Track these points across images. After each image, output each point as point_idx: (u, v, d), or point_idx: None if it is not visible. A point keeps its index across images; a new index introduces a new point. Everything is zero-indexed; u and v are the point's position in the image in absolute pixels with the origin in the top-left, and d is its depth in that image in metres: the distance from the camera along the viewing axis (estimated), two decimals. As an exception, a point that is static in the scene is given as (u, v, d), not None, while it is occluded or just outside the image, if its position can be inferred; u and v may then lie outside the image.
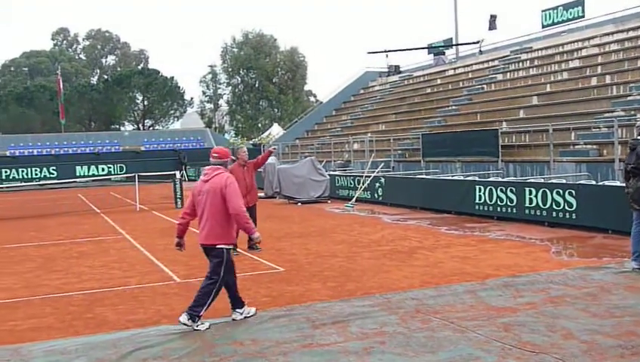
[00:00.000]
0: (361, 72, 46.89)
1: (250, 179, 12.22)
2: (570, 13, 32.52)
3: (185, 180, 32.92)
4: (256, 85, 69.68)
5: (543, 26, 34.22)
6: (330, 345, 5.97)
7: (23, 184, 37.91)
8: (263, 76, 68.54)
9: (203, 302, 6.78)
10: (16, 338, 6.82)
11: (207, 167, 7.18)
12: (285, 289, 8.70)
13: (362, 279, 9.20)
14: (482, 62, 35.99)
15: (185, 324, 6.63)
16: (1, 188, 35.85)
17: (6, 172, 40.93)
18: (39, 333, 7.03)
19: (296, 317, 7.01)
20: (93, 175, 41.49)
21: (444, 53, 42.52)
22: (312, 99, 77.38)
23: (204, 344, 6.16)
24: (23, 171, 41.30)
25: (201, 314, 6.74)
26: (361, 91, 45.94)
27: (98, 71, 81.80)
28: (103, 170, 42.74)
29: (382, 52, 44.97)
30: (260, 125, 68.75)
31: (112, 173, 41.78)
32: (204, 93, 73.23)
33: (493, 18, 40.14)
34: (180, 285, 9.33)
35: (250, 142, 52.23)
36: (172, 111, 70.83)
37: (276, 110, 70.98)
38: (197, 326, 6.66)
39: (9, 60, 77.37)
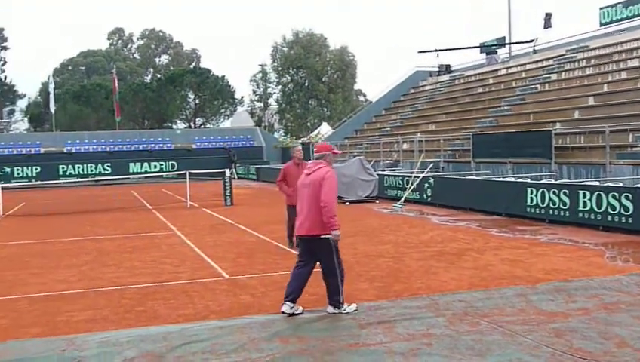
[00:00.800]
0: (411, 71, 46.58)
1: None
2: (630, 11, 31.60)
3: (234, 178, 33.29)
4: (306, 84, 69.91)
5: (601, 24, 33.37)
6: (376, 345, 5.97)
7: (79, 180, 38.97)
8: (312, 75, 68.73)
9: (338, 291, 7.21)
10: (72, 329, 7.03)
11: (310, 162, 7.53)
12: (332, 288, 8.72)
13: (410, 280, 9.16)
14: (536, 62, 35.31)
15: (332, 313, 7.13)
16: (59, 183, 36.91)
17: (63, 168, 42.13)
18: (93, 325, 7.23)
19: (342, 316, 7.02)
20: (146, 172, 42.34)
21: (496, 52, 41.88)
22: (361, 98, 77.22)
23: (250, 340, 6.23)
24: (79, 167, 42.45)
25: (342, 299, 7.20)
26: (411, 90, 45.63)
27: (152, 70, 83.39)
28: (155, 167, 43.57)
29: (432, 51, 44.57)
30: (309, 124, 68.96)
31: (164, 170, 42.55)
32: (254, 92, 73.89)
33: (548, 16, 39.35)
34: (229, 281, 9.45)
35: (299, 141, 52.44)
36: (222, 110, 71.66)
37: (325, 109, 71.07)
38: (345, 310, 7.16)
39: (67, 60, 79.65)
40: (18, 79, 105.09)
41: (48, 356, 5.98)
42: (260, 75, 72.55)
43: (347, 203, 21.51)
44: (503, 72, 37.33)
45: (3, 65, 78.99)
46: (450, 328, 6.43)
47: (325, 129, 52.35)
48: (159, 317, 7.50)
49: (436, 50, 44.61)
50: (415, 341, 6.05)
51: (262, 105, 74.02)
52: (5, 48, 78.78)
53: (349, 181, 21.97)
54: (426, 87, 44.48)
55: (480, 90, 36.44)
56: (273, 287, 8.87)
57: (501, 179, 18.89)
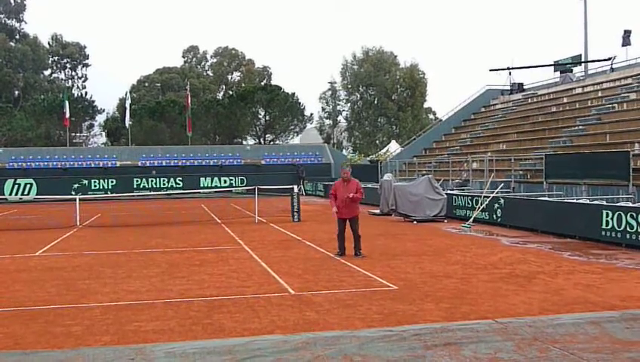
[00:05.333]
0: (482, 90, 45.91)
1: (348, 194, 13.50)
2: None
3: (303, 194, 33.51)
4: (375, 102, 69.94)
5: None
6: (442, 368, 5.86)
7: (152, 193, 40.05)
8: (382, 93, 68.71)
9: None
10: (140, 339, 7.20)
11: None
12: (397, 308, 8.63)
13: (477, 302, 8.96)
14: (614, 80, 34.17)
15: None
16: (132, 196, 38.05)
17: (137, 181, 43.43)
18: (161, 335, 7.38)
19: (407, 336, 6.93)
20: (216, 186, 43.15)
21: (571, 71, 40.77)
22: (431, 116, 76.61)
23: (314, 357, 6.22)
24: (152, 181, 43.68)
25: None
26: (482, 109, 44.95)
27: (224, 87, 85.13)
28: (225, 181, 44.35)
29: (505, 69, 43.84)
30: (377, 142, 68.87)
31: (234, 185, 43.21)
32: (323, 109, 74.43)
33: (627, 34, 38.08)
34: (294, 297, 9.48)
35: (368, 158, 52.39)
36: (292, 127, 72.43)
37: (394, 127, 70.86)
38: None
39: (144, 76, 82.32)
40: (98, 95, 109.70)
41: (118, 364, 6.13)
42: (330, 92, 73.09)
43: (415, 221, 21.30)
44: (579, 90, 36.31)
45: (84, 81, 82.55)
46: (518, 353, 6.25)
47: (394, 147, 52.13)
48: (225, 330, 7.60)
49: (508, 69, 43.86)
50: (482, 365, 5.91)
51: (331, 122, 74.43)
52: (86, 65, 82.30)
53: (417, 200, 21.78)
54: (498, 106, 43.72)
55: (554, 109, 35.54)
56: (338, 305, 8.85)
57: (575, 201, 18.31)
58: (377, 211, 24.87)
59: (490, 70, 45.17)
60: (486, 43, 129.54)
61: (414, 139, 47.89)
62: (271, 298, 9.44)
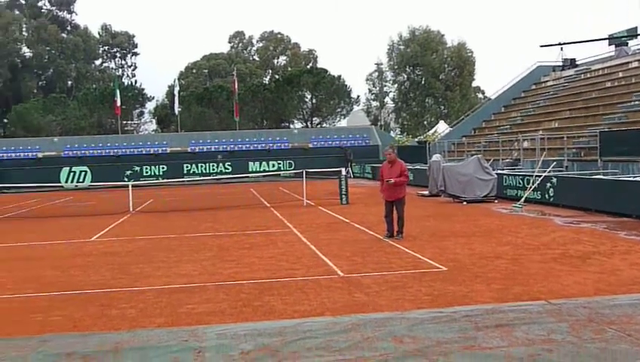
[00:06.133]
0: (533, 67, 44.86)
1: (393, 176, 13.42)
2: None
3: (350, 177, 33.46)
4: (423, 82, 69.12)
5: None
6: (493, 349, 5.79)
7: (202, 178, 40.61)
8: (429, 73, 67.84)
9: None
10: (193, 321, 7.34)
11: None
12: (447, 289, 8.56)
13: (529, 283, 8.82)
14: (671, 54, 32.97)
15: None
16: (183, 181, 38.66)
17: (187, 167, 44.09)
18: (213, 317, 7.50)
19: (458, 318, 6.87)
20: (264, 170, 43.48)
21: (627, 44, 39.44)
22: (479, 95, 75.33)
23: (364, 339, 6.22)
24: (201, 166, 44.28)
25: None
26: (533, 87, 43.97)
27: (270, 71, 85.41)
28: (273, 166, 44.63)
29: (556, 45, 42.63)
30: (425, 123, 68.15)
31: (282, 168, 43.44)
32: (370, 90, 73.92)
33: (685, 5, 36.59)
34: (343, 279, 9.50)
35: (416, 139, 51.95)
36: (339, 109, 72.23)
37: (442, 107, 69.95)
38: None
39: (191, 63, 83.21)
40: (147, 83, 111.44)
41: (172, 345, 6.26)
42: (376, 73, 72.50)
43: (464, 202, 21.05)
44: (635, 64, 35.11)
45: (133, 70, 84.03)
46: (572, 335, 6.13)
47: (442, 127, 51.53)
48: (275, 312, 7.67)
49: (560, 44, 42.67)
50: (535, 346, 5.81)
51: (378, 104, 73.93)
52: (135, 54, 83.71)
53: (466, 180, 21.50)
54: (549, 83, 42.70)
55: (608, 84, 34.51)
56: (387, 286, 8.83)
57: (631, 179, 17.77)
58: (426, 192, 24.67)
59: (541, 46, 44.44)
60: (536, 18, 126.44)
61: (463, 119, 47.24)
62: (320, 280, 9.48)
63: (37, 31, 73.24)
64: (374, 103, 74.52)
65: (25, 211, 25.13)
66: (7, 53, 70.42)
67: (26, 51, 75.14)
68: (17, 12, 75.51)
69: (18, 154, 47.06)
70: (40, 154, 46.99)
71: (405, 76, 70.25)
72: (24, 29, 74.88)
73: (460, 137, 41.68)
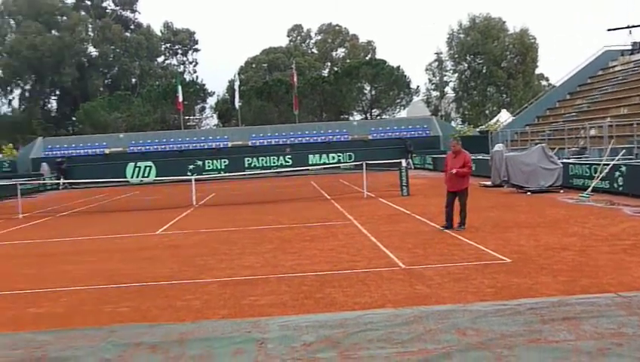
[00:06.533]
0: (599, 52, 43.36)
1: (456, 167, 13.36)
2: None
3: (411, 168, 33.18)
4: (484, 71, 67.85)
5: None
6: (560, 343, 5.65)
7: (262, 171, 41.01)
8: (490, 61, 66.52)
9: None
10: (255, 312, 7.44)
11: None
12: (511, 281, 8.41)
13: (598, 275, 8.57)
14: None
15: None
16: (244, 175, 39.15)
17: (248, 160, 44.59)
18: (275, 309, 7.59)
19: (522, 310, 6.73)
20: (324, 163, 43.54)
21: (700, 26, 37.69)
22: (543, 83, 73.41)
23: (427, 331, 6.18)
24: (262, 160, 44.70)
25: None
26: (600, 72, 42.53)
27: (329, 63, 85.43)
28: (333, 158, 44.64)
29: (624, 28, 41.17)
30: (487, 112, 66.89)
31: (342, 161, 43.44)
32: (430, 80, 73.08)
33: None
34: (405, 271, 9.45)
35: (477, 129, 51.06)
36: (398, 100, 71.62)
37: (505, 96, 68.51)
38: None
39: (251, 58, 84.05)
40: (208, 78, 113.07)
41: (235, 336, 6.36)
42: (436, 63, 71.60)
43: (528, 193, 20.60)
44: None
45: (195, 66, 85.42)
46: (644, 328, 5.93)
47: (505, 116, 50.48)
48: (336, 304, 7.70)
49: (628, 27, 41.14)
50: (604, 340, 5.65)
51: (438, 94, 73.04)
52: (196, 50, 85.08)
53: (530, 170, 21.03)
54: (617, 68, 41.21)
55: (680, 68, 33.09)
56: (449, 278, 8.74)
57: None
58: (488, 183, 24.25)
59: (608, 30, 42.85)
60: (602, 0, 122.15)
61: (526, 107, 46.11)
62: (381, 272, 9.45)
63: (102, 31, 75.35)
64: (434, 93, 73.65)
65: (94, 206, 25.96)
66: (75, 53, 72.72)
67: (92, 51, 77.43)
68: (83, 13, 77.79)
69: (86, 150, 48.62)
70: (107, 151, 48.42)
71: (466, 65, 69.11)
72: (90, 30, 77.12)
73: (523, 126, 40.73)
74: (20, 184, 27.07)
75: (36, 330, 7.06)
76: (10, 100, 74.36)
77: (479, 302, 7.27)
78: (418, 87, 73.78)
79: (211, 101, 75.87)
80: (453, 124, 64.16)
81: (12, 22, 73.97)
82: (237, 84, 58.87)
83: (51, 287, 9.64)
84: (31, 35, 69.42)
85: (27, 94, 74.71)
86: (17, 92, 74.87)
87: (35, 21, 71.18)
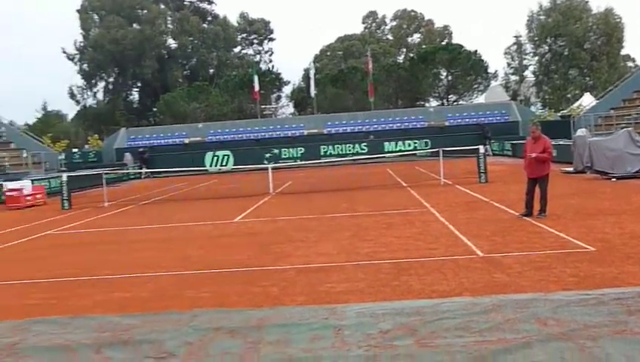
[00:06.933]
0: (691, 30, 41.09)
1: (536, 153, 13.08)
2: None
3: (489, 155, 32.52)
4: (566, 53, 65.54)
5: None
6: (648, 334, 5.43)
7: (338, 159, 41.13)
8: (572, 43, 64.18)
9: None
10: (332, 299, 7.49)
11: None
12: (595, 271, 8.13)
13: (689, 264, 8.18)
14: None
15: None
16: (320, 162, 39.37)
17: (324, 148, 44.79)
18: (351, 296, 7.62)
19: (607, 300, 6.50)
20: (400, 150, 43.21)
21: None
22: (630, 64, 70.27)
23: (505, 320, 6.06)
24: (338, 147, 44.81)
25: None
26: (692, 52, 40.30)
27: (404, 49, 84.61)
28: (409, 145, 44.26)
29: None
30: (569, 96, 64.65)
31: (418, 148, 43.02)
32: (508, 64, 71.25)
33: None
34: (483, 259, 9.29)
35: (559, 114, 49.46)
36: (476, 86, 70.21)
37: (588, 78, 66.01)
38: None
39: (326, 46, 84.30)
40: (283, 67, 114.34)
41: (312, 322, 6.43)
42: (515, 46, 69.72)
43: (613, 179, 19.82)
44: None
45: (270, 55, 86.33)
46: None
47: (588, 100, 48.62)
48: (413, 291, 7.66)
49: None
50: (695, 332, 5.39)
51: (517, 78, 71.14)
52: (271, 40, 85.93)
53: (615, 155, 20.23)
54: None
55: None
56: (529, 267, 8.54)
57: None
58: (570, 169, 23.48)
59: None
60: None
61: (611, 90, 44.25)
62: (459, 260, 9.33)
63: (181, 23, 77.18)
64: (513, 78, 71.79)
65: (174, 194, 26.74)
66: (155, 46, 74.84)
67: (172, 43, 79.48)
68: (163, 6, 79.84)
69: (167, 140, 50.07)
70: (187, 140, 49.71)
71: (546, 47, 66.95)
72: (169, 22, 79.17)
73: (607, 110, 39.13)
74: (105, 173, 28.22)
75: (123, 314, 7.36)
76: (95, 93, 77.40)
77: (561, 292, 7.07)
78: (496, 71, 72.14)
79: (287, 90, 76.62)
80: (532, 108, 62.35)
81: (96, 17, 76.80)
82: (312, 72, 59.15)
83: (136, 273, 10.02)
84: (113, 29, 71.93)
85: (111, 87, 77.51)
86: (101, 85, 77.85)
87: (117, 15, 73.69)
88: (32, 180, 28.12)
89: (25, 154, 38.74)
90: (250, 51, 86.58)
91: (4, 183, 26.57)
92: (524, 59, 70.06)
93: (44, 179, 30.85)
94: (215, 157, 44.34)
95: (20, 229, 17.26)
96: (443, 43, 76.78)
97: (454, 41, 78.10)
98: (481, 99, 72.40)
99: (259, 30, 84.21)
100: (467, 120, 48.40)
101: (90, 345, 6.12)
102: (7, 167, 35.53)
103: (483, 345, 5.45)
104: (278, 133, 49.73)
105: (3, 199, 25.53)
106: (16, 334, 6.66)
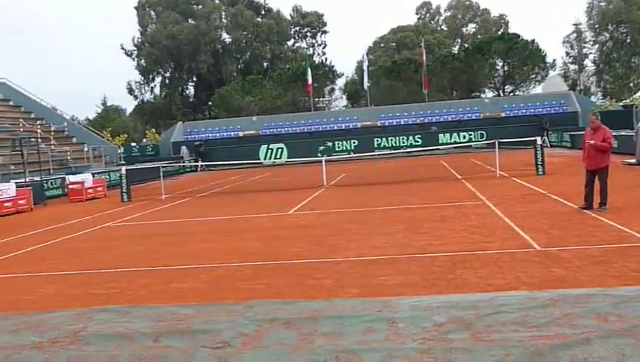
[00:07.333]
0: None
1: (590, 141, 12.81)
2: None
3: (547, 146, 31.83)
4: (628, 40, 63.48)
5: None
6: None
7: (392, 152, 40.92)
8: (635, 30, 62.06)
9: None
10: (386, 292, 7.48)
11: None
12: (659, 265, 7.89)
13: None
14: None
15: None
16: (373, 155, 39.25)
17: (377, 141, 44.61)
18: (405, 289, 7.59)
19: (672, 296, 6.30)
20: (455, 142, 42.69)
21: None
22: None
23: (564, 315, 5.94)
24: (391, 140, 44.56)
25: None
26: None
27: (459, 40, 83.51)
28: (464, 137, 43.68)
29: None
30: (631, 85, 62.63)
31: (473, 139, 42.43)
32: (567, 54, 69.52)
33: None
34: (540, 253, 9.11)
35: (620, 103, 47.98)
36: (533, 76, 68.69)
37: (652, 66, 63.85)
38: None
39: (379, 37, 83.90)
40: (337, 60, 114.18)
41: (366, 315, 6.43)
42: (574, 35, 67.94)
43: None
44: None
45: (323, 48, 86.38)
46: None
47: (651, 89, 47.00)
48: (468, 285, 7.58)
49: None
50: None
51: (576, 67, 69.32)
52: (325, 32, 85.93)
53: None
54: None
55: None
56: (588, 261, 8.34)
57: None
58: (632, 160, 22.76)
59: None
60: None
61: (677, 78, 42.67)
62: (515, 253, 9.18)
63: (235, 17, 77.98)
64: (572, 67, 69.99)
65: (229, 187, 27.10)
66: (210, 40, 75.85)
67: (226, 37, 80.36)
68: (217, 1, 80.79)
69: (222, 134, 50.74)
70: (241, 133, 50.28)
71: (607, 35, 64.98)
72: (223, 17, 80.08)
73: (672, 99, 37.76)
74: (163, 167, 28.80)
75: (180, 304, 7.52)
76: (152, 88, 79.03)
77: (622, 287, 6.88)
78: (554, 61, 70.42)
79: (340, 82, 76.66)
80: (593, 98, 60.70)
81: (152, 13, 78.33)
82: (365, 64, 58.96)
83: (193, 264, 10.22)
84: (170, 25, 73.24)
85: (167, 82, 78.99)
86: (158, 80, 79.40)
87: (173, 11, 74.97)
88: (93, 173, 28.98)
89: (86, 149, 39.90)
90: (303, 44, 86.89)
91: (67, 176, 27.44)
92: (584, 47, 68.23)
93: (105, 172, 31.75)
94: (269, 150, 44.70)
95: (82, 221, 17.81)
96: (499, 33, 75.36)
97: (511, 30, 76.61)
98: (538, 89, 70.88)
99: (312, 23, 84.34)
100: (524, 111, 47.44)
101: (148, 334, 6.28)
102: (70, 160, 36.67)
103: (540, 340, 5.35)
104: (331, 125, 49.78)
105: (66, 192, 26.38)
106: (79, 322, 6.89)
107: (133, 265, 10.51)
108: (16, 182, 23.58)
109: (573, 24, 68.26)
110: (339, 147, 44.49)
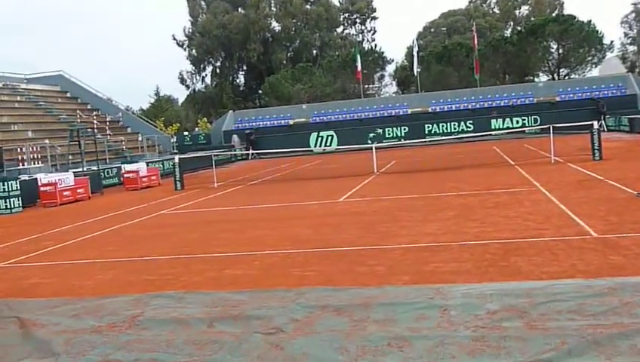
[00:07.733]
0: None
1: None
2: None
3: (604, 130, 30.98)
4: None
5: None
6: None
7: (443, 138, 40.47)
8: (698, 9, 59.79)
9: None
10: (438, 279, 7.43)
11: None
12: None
13: None
14: None
15: None
16: (424, 141, 38.92)
17: (428, 127, 44.18)
18: (457, 276, 7.52)
19: None
20: (508, 127, 41.89)
21: None
22: None
23: (622, 304, 5.80)
24: (442, 126, 44.05)
25: None
26: None
27: (511, 23, 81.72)
28: (517, 122, 42.83)
29: None
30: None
31: (526, 125, 41.60)
32: (625, 34, 67.37)
33: None
34: (597, 240, 8.89)
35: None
36: (589, 58, 66.79)
37: None
38: None
39: (429, 22, 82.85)
40: (386, 46, 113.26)
41: (418, 302, 6.42)
42: (633, 14, 65.71)
43: None
44: None
45: (373, 34, 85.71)
46: None
47: None
48: (522, 273, 7.46)
49: None
50: None
51: (635, 48, 67.08)
52: (374, 18, 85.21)
53: None
54: None
55: None
56: (649, 248, 8.10)
57: None
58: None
59: None
60: None
61: None
62: (571, 241, 8.99)
63: (284, 5, 78.07)
64: (631, 48, 67.79)
65: (280, 175, 27.29)
66: (260, 29, 76.20)
67: (275, 25, 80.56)
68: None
69: (272, 122, 51.08)
70: (291, 121, 50.50)
71: (669, 14, 62.68)
72: (272, 5, 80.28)
73: None
74: (214, 155, 29.19)
75: (233, 290, 7.64)
76: (203, 77, 79.94)
77: (684, 275, 6.68)
78: (612, 42, 68.26)
79: (390, 69, 75.98)
80: (654, 80, 58.66)
81: (203, 3, 79.12)
82: (416, 50, 58.33)
83: (245, 251, 10.34)
84: (220, 15, 73.89)
85: (218, 71, 79.76)
86: (209, 69, 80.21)
87: (222, 0, 75.58)
88: (147, 162, 29.58)
89: (140, 138, 40.76)
90: (352, 31, 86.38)
91: (122, 166, 28.09)
92: (644, 28, 65.94)
93: (158, 161, 32.37)
94: (319, 138, 44.78)
95: (137, 209, 18.23)
96: (553, 14, 73.46)
97: (566, 11, 74.55)
98: (595, 72, 68.86)
99: (361, 9, 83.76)
100: (580, 94, 46.26)
101: (202, 319, 6.41)
102: (125, 150, 37.51)
103: (598, 329, 5.25)
104: (381, 112, 49.53)
105: (121, 181, 27.02)
106: (137, 307, 7.08)
107: (186, 252, 10.71)
108: (74, 172, 24.30)
109: (632, 3, 66.11)
110: (389, 134, 44.21)
